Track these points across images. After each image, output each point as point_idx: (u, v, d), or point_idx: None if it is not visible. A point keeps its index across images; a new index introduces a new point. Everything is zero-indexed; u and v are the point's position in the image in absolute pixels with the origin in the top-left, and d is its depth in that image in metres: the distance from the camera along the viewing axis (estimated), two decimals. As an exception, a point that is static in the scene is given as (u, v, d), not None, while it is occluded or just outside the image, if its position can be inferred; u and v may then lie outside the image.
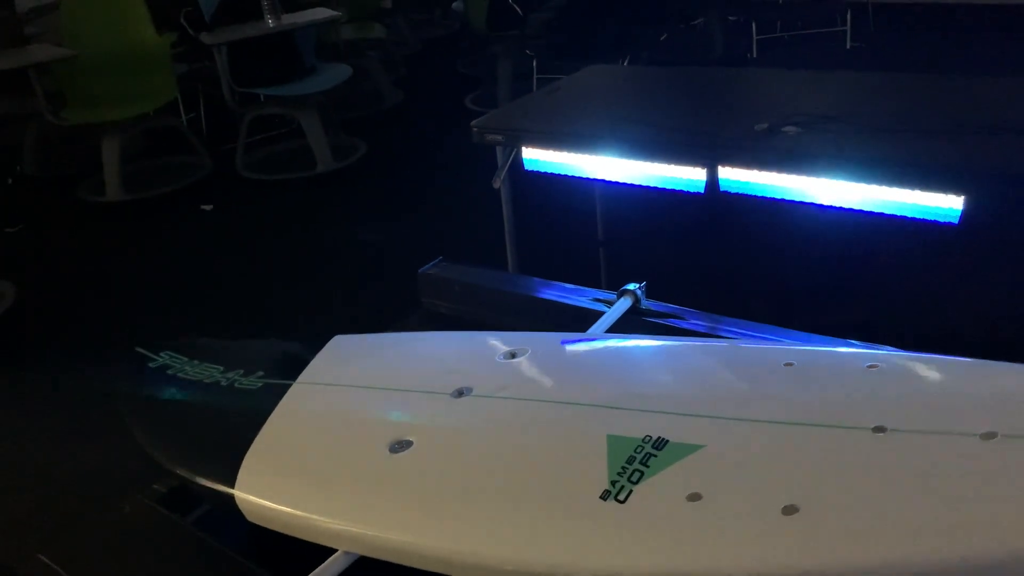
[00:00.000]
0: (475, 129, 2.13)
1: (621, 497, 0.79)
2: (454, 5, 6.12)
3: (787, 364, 0.93)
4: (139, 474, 1.25)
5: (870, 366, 0.88)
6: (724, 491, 0.78)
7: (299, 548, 0.95)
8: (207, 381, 1.24)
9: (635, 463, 0.83)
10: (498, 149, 2.15)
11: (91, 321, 3.07)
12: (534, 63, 4.64)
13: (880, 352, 0.95)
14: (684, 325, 1.46)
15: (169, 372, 1.27)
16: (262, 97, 4.35)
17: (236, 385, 1.21)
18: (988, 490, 0.70)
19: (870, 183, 1.58)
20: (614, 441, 0.87)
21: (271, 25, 4.13)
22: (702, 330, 1.45)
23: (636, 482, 0.81)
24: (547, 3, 4.99)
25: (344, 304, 3.00)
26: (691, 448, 0.83)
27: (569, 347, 1.17)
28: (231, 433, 1.11)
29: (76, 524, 1.78)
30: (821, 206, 1.65)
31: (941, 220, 1.52)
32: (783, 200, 1.68)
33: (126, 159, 4.20)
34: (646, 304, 1.51)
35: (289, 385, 1.18)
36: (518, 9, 4.94)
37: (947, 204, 1.51)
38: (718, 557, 0.73)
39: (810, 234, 2.15)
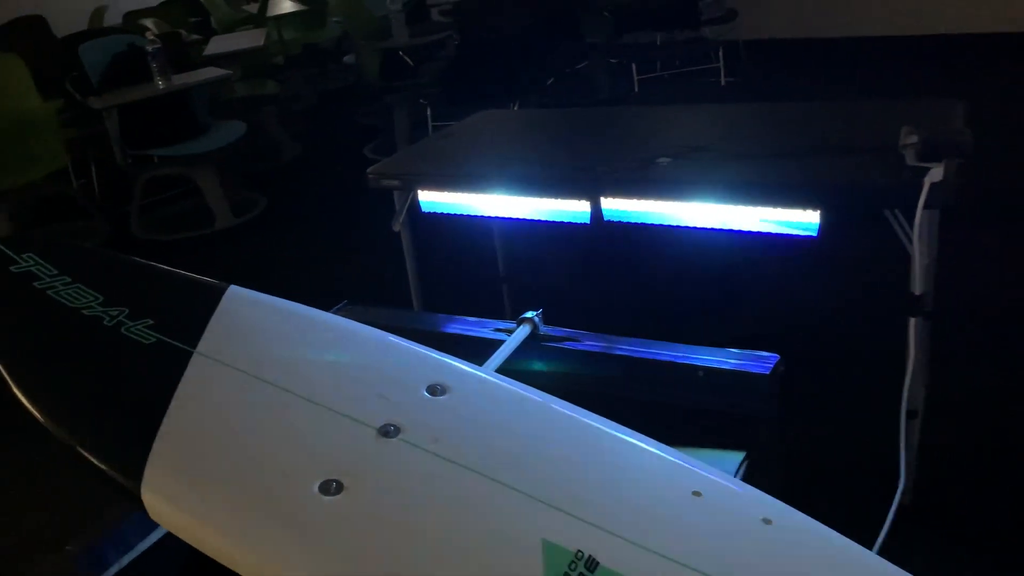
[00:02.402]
0: (371, 176, 2.20)
1: None
2: (346, 59, 6.21)
3: (695, 493, 0.94)
4: (53, 537, 1.24)
5: (765, 519, 0.90)
6: None
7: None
8: (85, 312, 1.10)
9: None
10: (395, 194, 2.22)
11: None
12: (428, 111, 4.76)
13: (774, 506, 0.98)
14: (580, 347, 1.56)
15: (37, 285, 1.11)
16: (155, 158, 4.32)
17: (123, 331, 1.08)
18: None
19: (737, 204, 1.72)
20: (550, 549, 0.85)
21: (161, 87, 4.12)
22: (597, 350, 1.55)
23: None
24: (437, 54, 5.14)
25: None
26: None
27: (489, 396, 1.13)
28: (130, 406, 1.02)
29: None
30: (696, 228, 1.78)
31: (802, 234, 1.67)
32: (662, 225, 1.81)
33: (17, 229, 4.09)
34: (544, 330, 1.59)
35: (188, 353, 1.09)
36: (409, 60, 5.07)
37: (806, 219, 1.67)
38: None
39: (690, 255, 2.31)
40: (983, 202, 3.41)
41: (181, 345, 1.10)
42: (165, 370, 1.07)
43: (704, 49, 5.60)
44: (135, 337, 1.09)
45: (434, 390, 1.11)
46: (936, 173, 1.59)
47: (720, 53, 5.46)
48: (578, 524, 0.89)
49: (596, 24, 5.38)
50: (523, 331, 1.56)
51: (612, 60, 5.66)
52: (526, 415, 1.13)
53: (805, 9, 6.13)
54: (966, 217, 3.11)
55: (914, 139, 1.65)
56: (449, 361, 1.23)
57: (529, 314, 1.58)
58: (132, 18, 5.90)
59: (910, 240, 1.64)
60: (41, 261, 1.18)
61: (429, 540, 0.89)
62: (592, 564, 0.84)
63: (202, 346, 1.11)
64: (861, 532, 0.83)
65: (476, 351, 1.57)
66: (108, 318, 1.11)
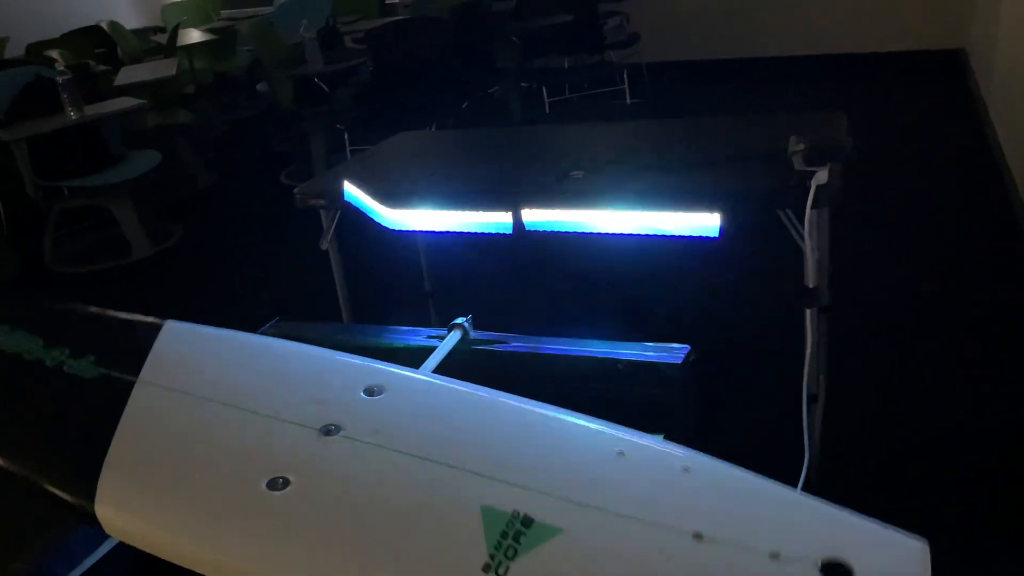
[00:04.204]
0: (298, 196, 2.25)
1: (500, 571, 0.83)
2: (259, 86, 6.20)
3: (619, 453, 1.01)
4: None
5: (684, 467, 0.97)
6: None
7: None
8: (27, 358, 1.13)
9: (508, 539, 0.87)
10: (322, 213, 2.28)
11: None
12: (345, 136, 4.81)
13: (692, 456, 1.02)
14: (508, 348, 1.65)
15: None
16: (66, 190, 4.25)
17: (66, 369, 1.11)
18: None
19: (646, 211, 1.86)
20: (488, 513, 0.90)
21: (74, 117, 4.07)
22: (524, 350, 1.65)
23: (512, 558, 0.85)
24: (352, 79, 5.20)
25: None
26: (554, 531, 0.88)
27: (423, 390, 1.21)
28: (77, 431, 1.06)
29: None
30: (610, 234, 1.91)
31: (705, 236, 1.82)
32: (579, 233, 1.94)
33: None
34: (474, 334, 1.67)
35: (131, 381, 1.12)
36: (324, 86, 5.11)
37: (708, 222, 1.81)
38: None
39: (606, 259, 2.45)
40: (871, 204, 3.68)
41: (124, 376, 1.14)
42: (110, 397, 1.10)
43: (609, 72, 5.82)
44: (78, 373, 1.13)
45: (371, 391, 1.17)
46: (821, 176, 1.76)
47: (625, 75, 5.69)
48: (512, 489, 0.97)
49: (506, 49, 5.54)
50: (454, 336, 1.65)
51: (523, 84, 5.83)
52: (459, 403, 1.21)
53: (702, 33, 6.46)
54: (856, 219, 3.37)
55: (801, 146, 1.81)
56: (383, 366, 1.31)
57: (459, 320, 1.67)
58: (35, 49, 5.78)
59: (802, 237, 1.80)
60: None
61: (377, 520, 0.95)
62: (527, 521, 0.91)
63: (145, 374, 1.15)
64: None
65: (410, 358, 1.64)
66: (50, 359, 1.15)
